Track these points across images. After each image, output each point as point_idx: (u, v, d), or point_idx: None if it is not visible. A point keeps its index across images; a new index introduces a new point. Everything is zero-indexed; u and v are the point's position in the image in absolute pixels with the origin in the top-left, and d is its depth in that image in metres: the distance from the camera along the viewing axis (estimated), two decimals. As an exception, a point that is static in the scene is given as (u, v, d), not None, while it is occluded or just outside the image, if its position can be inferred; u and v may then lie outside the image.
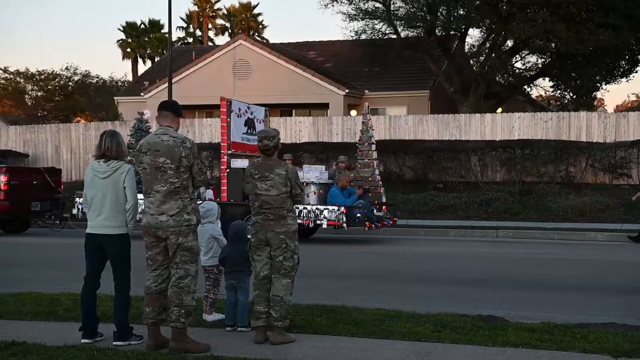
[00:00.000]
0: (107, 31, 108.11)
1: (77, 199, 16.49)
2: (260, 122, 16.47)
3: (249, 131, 15.93)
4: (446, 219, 19.43)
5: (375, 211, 15.66)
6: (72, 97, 45.28)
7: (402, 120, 25.26)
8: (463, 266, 11.86)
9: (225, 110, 15.15)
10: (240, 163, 15.18)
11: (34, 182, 17.40)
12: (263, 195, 6.27)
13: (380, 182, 17.50)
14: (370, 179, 17.11)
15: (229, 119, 15.16)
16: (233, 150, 15.34)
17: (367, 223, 14.77)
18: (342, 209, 14.52)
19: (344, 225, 14.52)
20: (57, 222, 17.56)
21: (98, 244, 6.17)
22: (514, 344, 6.10)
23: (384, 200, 17.04)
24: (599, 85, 30.96)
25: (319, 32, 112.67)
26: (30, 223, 18.38)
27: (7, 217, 17.65)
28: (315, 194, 15.14)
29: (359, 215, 14.60)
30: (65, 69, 46.22)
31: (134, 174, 6.28)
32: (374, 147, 17.51)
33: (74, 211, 16.45)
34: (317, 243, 15.28)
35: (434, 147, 23.09)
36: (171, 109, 6.20)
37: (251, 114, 16.15)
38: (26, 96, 46.61)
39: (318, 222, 14.60)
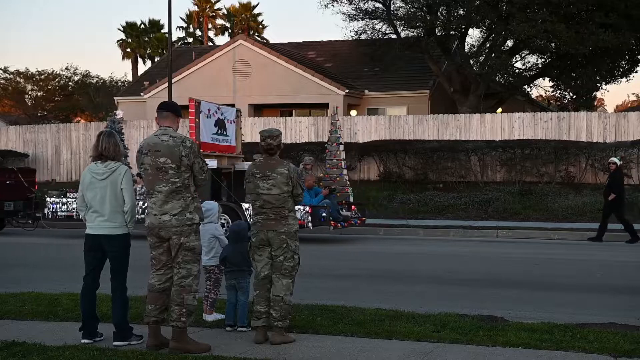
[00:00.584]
0: (107, 31, 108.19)
1: (48, 199, 16.59)
2: (231, 123, 16.62)
3: (219, 132, 16.09)
4: (446, 219, 19.43)
5: (343, 211, 15.76)
6: (72, 97, 45.32)
7: (402, 120, 25.26)
8: (463, 266, 11.86)
9: (193, 111, 15.27)
10: (210, 163, 15.26)
11: (7, 182, 17.44)
12: (265, 195, 6.28)
13: (348, 182, 17.86)
14: (338, 178, 17.47)
15: (197, 120, 15.29)
16: (202, 150, 15.42)
17: (332, 222, 14.92)
18: (307, 208, 14.64)
19: (309, 224, 14.64)
20: (30, 221, 17.62)
21: (98, 245, 6.18)
22: (514, 344, 6.11)
23: (351, 199, 17.28)
24: (599, 85, 30.95)
25: (319, 32, 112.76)
26: (4, 223, 18.42)
27: None
28: None
29: (324, 214, 14.77)
30: (65, 69, 46.30)
31: (131, 175, 6.30)
32: (342, 147, 17.99)
33: (45, 211, 16.52)
34: (315, 243, 15.28)
35: (434, 147, 23.08)
36: (171, 110, 6.24)
37: (222, 114, 16.25)
38: (26, 96, 46.62)
39: None
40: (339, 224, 15.13)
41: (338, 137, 18.03)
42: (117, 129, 19.14)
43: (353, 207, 16.50)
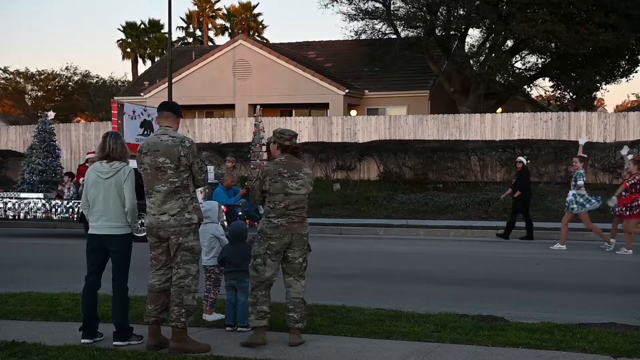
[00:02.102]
0: (107, 31, 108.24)
1: None
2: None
3: (145, 133, 16.83)
4: (446, 219, 19.42)
5: (261, 209, 16.11)
6: (72, 97, 45.31)
7: (402, 120, 25.27)
8: (463, 266, 11.86)
9: (116, 112, 16.10)
10: (132, 163, 15.66)
11: None
12: (294, 195, 6.19)
13: None
14: None
15: (119, 121, 16.03)
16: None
17: (247, 221, 15.28)
18: (223, 207, 14.88)
19: (225, 222, 14.92)
20: None
21: (101, 245, 6.19)
22: (514, 344, 6.11)
23: None
24: (599, 85, 30.94)
25: (319, 32, 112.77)
26: None
27: None
28: (201, 193, 15.95)
29: (240, 213, 15.30)
30: (65, 69, 46.35)
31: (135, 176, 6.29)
32: (264, 148, 18.53)
33: None
34: (314, 243, 15.26)
35: (434, 147, 23.08)
36: (171, 110, 6.24)
37: (148, 115, 16.96)
38: (26, 96, 46.64)
39: None
40: (255, 223, 15.56)
41: (261, 139, 18.77)
42: (48, 130, 19.45)
43: None
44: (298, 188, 6.22)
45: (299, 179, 6.23)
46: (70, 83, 46.34)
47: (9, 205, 16.33)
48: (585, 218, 14.34)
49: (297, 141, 6.41)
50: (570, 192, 14.43)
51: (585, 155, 16.01)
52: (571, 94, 32.36)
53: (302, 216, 6.25)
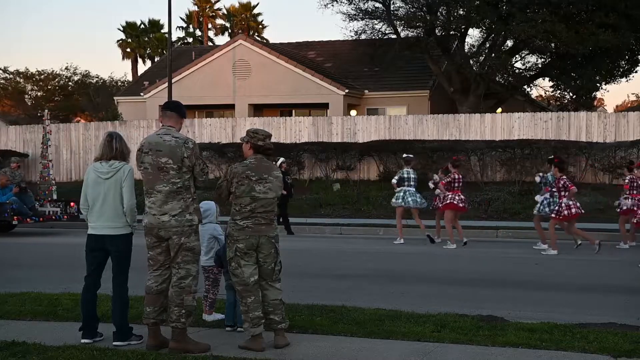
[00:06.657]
0: (107, 31, 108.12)
1: None
2: None
3: None
4: (446, 219, 19.38)
5: (48, 206, 18.31)
6: (72, 97, 45.26)
7: (402, 120, 25.26)
8: (463, 266, 11.86)
9: None
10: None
11: None
12: (261, 199, 6.07)
13: (54, 181, 21.61)
14: (46, 177, 21.25)
15: None
16: None
17: (15, 217, 16.97)
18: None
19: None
20: None
21: (101, 245, 6.18)
22: (514, 344, 6.11)
23: (55, 197, 20.36)
24: (599, 85, 30.92)
25: (319, 32, 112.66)
26: None
27: None
28: None
29: (8, 210, 16.84)
30: (65, 69, 46.27)
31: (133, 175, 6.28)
32: (49, 149, 21.59)
33: None
34: (315, 242, 15.26)
35: (434, 147, 23.07)
36: (175, 110, 6.21)
37: None
38: (26, 96, 46.58)
39: None
40: (28, 219, 17.19)
41: (47, 140, 21.45)
42: None
43: (72, 203, 18.35)
44: (266, 192, 6.08)
45: (267, 182, 6.10)
46: (70, 83, 46.29)
47: None
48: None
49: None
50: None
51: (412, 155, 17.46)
52: (571, 94, 32.35)
53: (269, 218, 6.11)
